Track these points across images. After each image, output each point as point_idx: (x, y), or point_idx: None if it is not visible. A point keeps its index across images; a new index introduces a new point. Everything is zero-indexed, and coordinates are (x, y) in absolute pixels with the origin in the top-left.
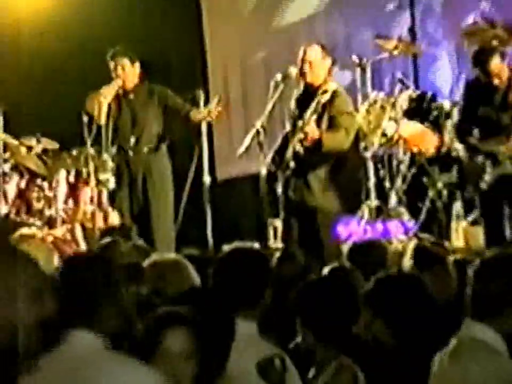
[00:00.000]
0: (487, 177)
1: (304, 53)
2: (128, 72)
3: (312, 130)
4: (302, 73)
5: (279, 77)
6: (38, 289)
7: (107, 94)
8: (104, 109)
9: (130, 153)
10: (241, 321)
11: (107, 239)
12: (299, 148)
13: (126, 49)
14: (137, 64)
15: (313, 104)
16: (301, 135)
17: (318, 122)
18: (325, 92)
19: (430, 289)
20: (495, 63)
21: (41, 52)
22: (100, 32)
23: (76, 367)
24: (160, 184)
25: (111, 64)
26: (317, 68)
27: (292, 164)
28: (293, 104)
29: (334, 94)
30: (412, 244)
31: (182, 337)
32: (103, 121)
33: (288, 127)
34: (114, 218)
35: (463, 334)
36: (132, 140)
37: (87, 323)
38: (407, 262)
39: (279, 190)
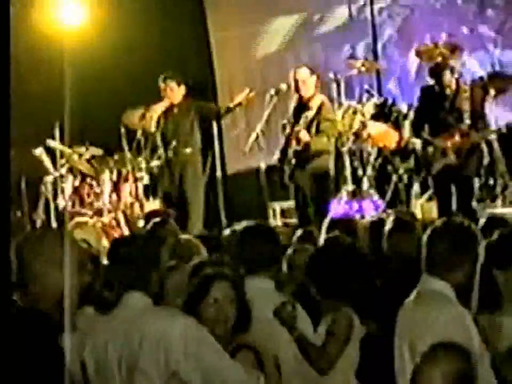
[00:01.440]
0: (437, 164)
1: (295, 73)
2: (175, 92)
3: (303, 135)
4: (296, 89)
5: (272, 91)
6: (80, 261)
7: (157, 109)
8: (154, 121)
9: (170, 154)
10: (261, 280)
11: (156, 219)
12: (296, 148)
13: (174, 73)
14: (182, 86)
15: (305, 113)
16: (296, 139)
17: (309, 128)
18: (314, 102)
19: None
20: (446, 76)
21: (87, 74)
22: (141, 57)
23: (130, 319)
24: (193, 180)
25: (162, 86)
26: (307, 84)
27: (293, 161)
28: (290, 113)
29: (321, 104)
30: (392, 216)
31: (225, 289)
32: (153, 129)
33: (287, 131)
34: (152, 206)
35: (421, 286)
36: (173, 144)
37: (137, 287)
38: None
39: (286, 179)
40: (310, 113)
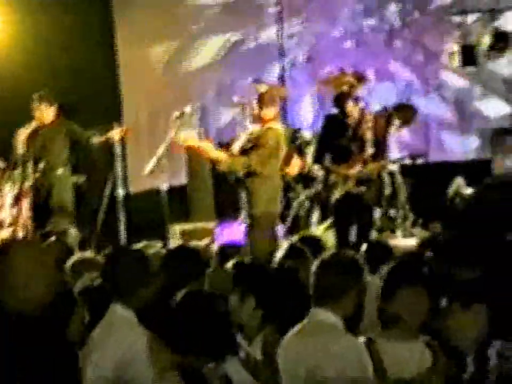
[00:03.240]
0: (337, 193)
1: None
2: (45, 113)
3: None
4: None
5: (177, 113)
6: None
7: (22, 133)
8: (21, 143)
9: (37, 174)
10: None
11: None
12: None
13: (49, 93)
14: (53, 107)
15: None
16: None
17: None
18: None
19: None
20: (350, 106)
21: None
22: (28, 75)
23: (109, 330)
24: (59, 197)
25: (34, 105)
26: None
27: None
28: None
29: None
30: (286, 243)
31: None
32: (21, 151)
33: None
34: None
35: (309, 317)
36: (41, 165)
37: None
38: (280, 255)
39: None
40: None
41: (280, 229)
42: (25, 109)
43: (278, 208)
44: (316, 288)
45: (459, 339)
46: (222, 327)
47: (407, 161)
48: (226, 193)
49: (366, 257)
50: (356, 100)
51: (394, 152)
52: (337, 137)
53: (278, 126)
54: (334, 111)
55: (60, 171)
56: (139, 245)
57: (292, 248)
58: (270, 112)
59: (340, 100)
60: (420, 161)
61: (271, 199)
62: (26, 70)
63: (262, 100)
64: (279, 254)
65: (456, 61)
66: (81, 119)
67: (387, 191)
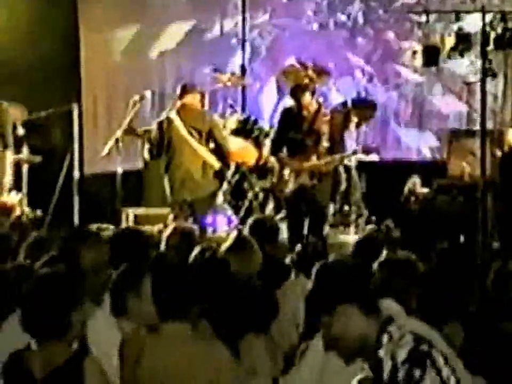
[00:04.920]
0: (290, 185)
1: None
2: None
3: None
4: None
5: (136, 97)
6: None
7: None
8: None
9: None
10: None
11: None
12: None
13: None
14: None
15: None
16: None
17: None
18: None
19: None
20: (306, 98)
21: None
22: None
23: None
24: None
25: None
26: None
27: None
28: None
29: None
30: (233, 234)
31: None
32: None
33: None
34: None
35: None
36: None
37: None
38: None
39: None
40: None
41: (234, 219)
42: None
43: None
44: None
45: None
46: None
47: (360, 156)
48: None
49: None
50: (313, 92)
51: (351, 148)
52: (293, 130)
53: None
54: (291, 103)
55: None
56: (92, 227)
57: (238, 239)
58: None
59: (297, 92)
60: (373, 156)
61: None
62: None
63: None
64: (226, 244)
65: (419, 60)
66: (40, 98)
67: (342, 186)
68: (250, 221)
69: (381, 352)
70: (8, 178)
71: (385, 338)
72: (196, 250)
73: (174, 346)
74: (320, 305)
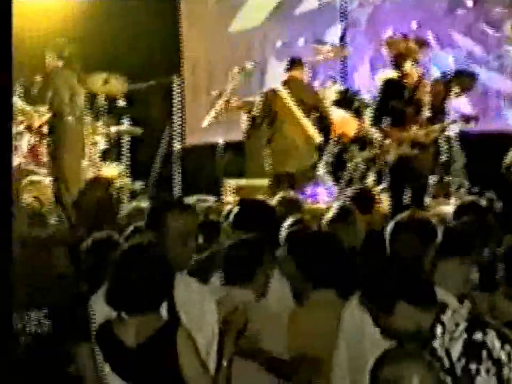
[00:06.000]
0: (391, 156)
1: None
2: None
3: None
4: None
5: (236, 69)
6: None
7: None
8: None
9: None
10: None
11: None
12: None
13: None
14: None
15: None
16: None
17: None
18: None
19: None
20: (408, 67)
21: None
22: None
23: None
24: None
25: None
26: None
27: None
28: None
29: None
30: (336, 204)
31: None
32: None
33: None
34: (109, 171)
35: None
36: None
37: None
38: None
39: None
40: None
41: (334, 190)
42: None
43: None
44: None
45: None
46: None
47: (459, 124)
48: None
49: None
50: (415, 62)
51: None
52: (394, 99)
53: None
54: (393, 73)
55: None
56: (192, 199)
57: (341, 209)
58: None
59: (398, 61)
60: (472, 124)
61: None
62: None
63: None
64: (328, 215)
65: None
66: (141, 72)
67: (443, 157)
68: (350, 191)
69: (436, 344)
70: (97, 149)
71: (438, 330)
72: (289, 221)
73: (323, 312)
74: None
